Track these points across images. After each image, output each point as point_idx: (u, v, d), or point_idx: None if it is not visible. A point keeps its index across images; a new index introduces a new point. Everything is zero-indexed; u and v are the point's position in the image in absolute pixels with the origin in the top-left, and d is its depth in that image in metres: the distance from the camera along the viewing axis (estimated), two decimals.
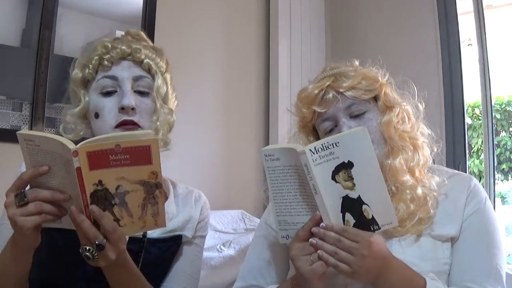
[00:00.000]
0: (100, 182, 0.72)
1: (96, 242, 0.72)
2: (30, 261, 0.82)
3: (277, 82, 2.83)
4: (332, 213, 0.77)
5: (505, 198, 3.44)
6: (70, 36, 2.11)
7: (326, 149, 0.77)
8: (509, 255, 2.54)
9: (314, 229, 0.78)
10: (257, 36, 2.94)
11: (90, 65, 0.95)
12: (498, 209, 2.87)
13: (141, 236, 0.93)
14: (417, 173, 0.92)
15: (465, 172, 2.44)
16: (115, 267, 0.79)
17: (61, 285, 0.89)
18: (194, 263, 1.02)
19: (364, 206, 0.79)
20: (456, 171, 0.99)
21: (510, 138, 3.49)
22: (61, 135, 0.97)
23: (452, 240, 0.90)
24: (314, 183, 0.76)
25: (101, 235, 0.73)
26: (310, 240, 0.78)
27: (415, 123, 0.96)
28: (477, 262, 0.87)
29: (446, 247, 0.88)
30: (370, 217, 0.79)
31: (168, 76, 1.01)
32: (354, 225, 0.78)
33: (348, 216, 0.78)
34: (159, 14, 2.42)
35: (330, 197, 0.77)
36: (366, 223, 0.79)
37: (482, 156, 2.97)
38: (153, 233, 0.95)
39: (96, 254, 0.73)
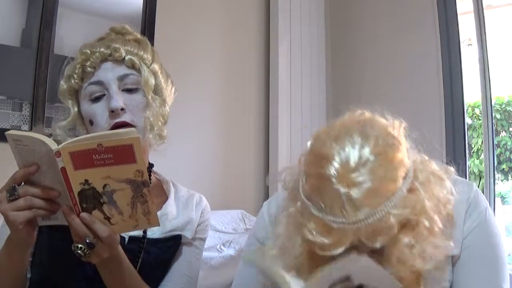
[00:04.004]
0: (86, 181, 0.71)
1: (87, 241, 0.73)
2: (25, 260, 0.83)
3: (277, 83, 2.83)
4: None
5: (505, 198, 3.44)
6: (70, 36, 2.11)
7: None
8: (509, 255, 2.53)
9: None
10: (257, 37, 2.94)
11: (75, 75, 0.95)
12: (498, 209, 2.86)
13: (141, 237, 0.93)
14: None
15: (465, 172, 2.44)
16: (108, 262, 0.79)
17: (61, 285, 0.89)
18: (192, 265, 1.01)
19: None
20: (455, 178, 0.83)
21: (510, 138, 3.49)
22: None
23: (453, 258, 0.82)
24: None
25: (92, 234, 0.73)
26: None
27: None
28: (481, 283, 0.81)
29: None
30: None
31: (156, 66, 0.99)
32: None
33: None
34: (159, 14, 2.42)
35: None
36: None
37: (482, 156, 2.97)
38: (153, 234, 0.95)
39: (87, 252, 0.73)
